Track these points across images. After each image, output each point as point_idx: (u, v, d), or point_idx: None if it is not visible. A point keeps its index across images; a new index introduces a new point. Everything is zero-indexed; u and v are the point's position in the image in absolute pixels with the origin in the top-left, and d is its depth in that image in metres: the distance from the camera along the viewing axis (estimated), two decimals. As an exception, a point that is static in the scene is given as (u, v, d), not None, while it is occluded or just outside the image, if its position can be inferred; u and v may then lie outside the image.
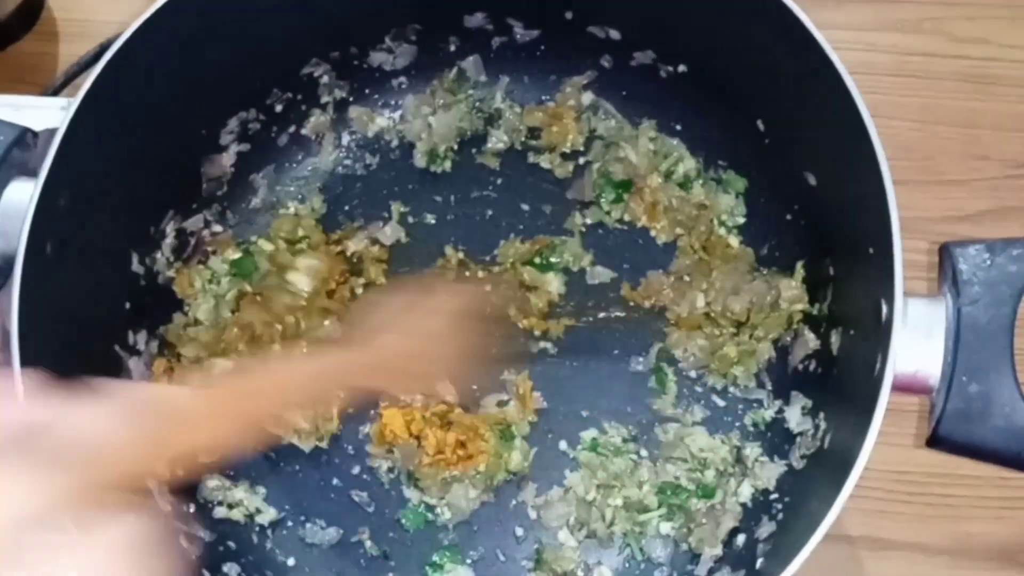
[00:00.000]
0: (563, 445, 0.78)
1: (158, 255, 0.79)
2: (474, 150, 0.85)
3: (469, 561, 0.76)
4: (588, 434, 0.78)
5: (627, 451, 0.77)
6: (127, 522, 0.37)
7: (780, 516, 0.71)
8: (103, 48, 0.83)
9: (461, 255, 0.82)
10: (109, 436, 0.38)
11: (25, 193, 0.65)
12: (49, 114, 0.77)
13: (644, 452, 0.77)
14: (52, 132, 0.66)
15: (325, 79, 0.84)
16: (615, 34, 0.81)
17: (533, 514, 0.77)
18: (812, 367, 0.75)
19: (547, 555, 0.75)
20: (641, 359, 0.79)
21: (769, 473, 0.74)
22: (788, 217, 0.78)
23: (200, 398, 0.45)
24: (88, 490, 0.36)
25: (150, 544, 0.37)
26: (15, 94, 0.82)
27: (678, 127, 0.83)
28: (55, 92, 0.89)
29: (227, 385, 0.47)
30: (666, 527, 0.75)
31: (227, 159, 0.82)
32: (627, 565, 0.75)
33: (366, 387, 0.61)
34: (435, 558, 0.76)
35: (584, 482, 0.76)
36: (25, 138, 0.69)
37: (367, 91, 0.86)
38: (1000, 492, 0.78)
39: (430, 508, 0.77)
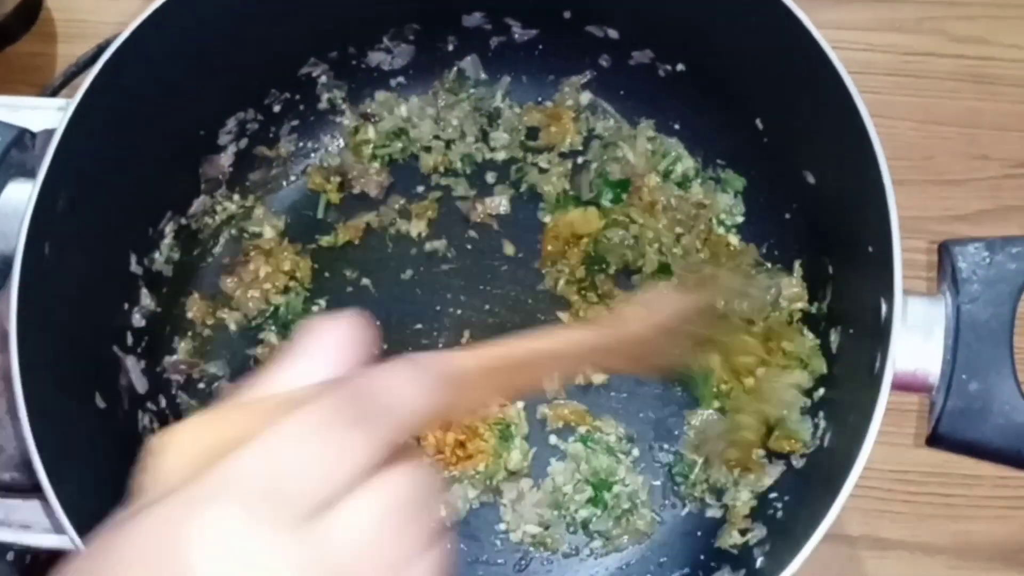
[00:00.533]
0: (554, 439, 0.78)
1: (156, 255, 0.79)
2: (475, 148, 0.85)
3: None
4: (583, 427, 0.77)
5: (619, 450, 0.76)
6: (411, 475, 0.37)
7: (780, 516, 0.71)
8: (101, 49, 0.83)
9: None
10: (419, 400, 0.38)
11: (23, 193, 0.65)
12: (47, 115, 0.77)
13: (636, 452, 0.77)
14: (50, 133, 0.66)
15: (323, 79, 0.84)
16: (613, 33, 0.81)
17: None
18: (812, 366, 0.75)
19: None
20: (640, 359, 0.79)
21: (768, 473, 0.74)
22: (787, 216, 0.78)
23: (478, 362, 0.44)
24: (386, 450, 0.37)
25: (428, 495, 0.38)
26: (13, 95, 0.82)
27: (676, 126, 0.83)
28: (53, 93, 0.88)
29: (499, 352, 0.47)
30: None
31: (225, 159, 0.82)
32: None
33: (608, 365, 0.64)
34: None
35: (565, 474, 0.76)
36: (23, 139, 0.69)
37: (365, 91, 0.85)
38: (1000, 492, 0.78)
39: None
